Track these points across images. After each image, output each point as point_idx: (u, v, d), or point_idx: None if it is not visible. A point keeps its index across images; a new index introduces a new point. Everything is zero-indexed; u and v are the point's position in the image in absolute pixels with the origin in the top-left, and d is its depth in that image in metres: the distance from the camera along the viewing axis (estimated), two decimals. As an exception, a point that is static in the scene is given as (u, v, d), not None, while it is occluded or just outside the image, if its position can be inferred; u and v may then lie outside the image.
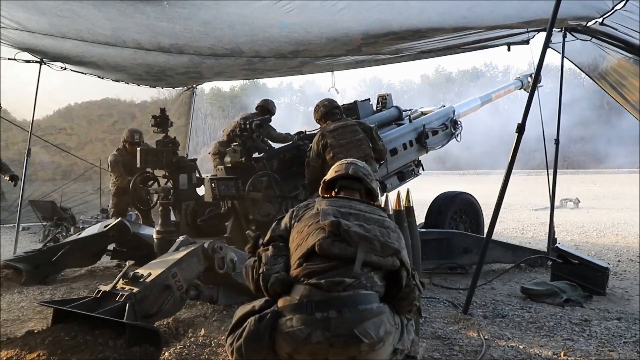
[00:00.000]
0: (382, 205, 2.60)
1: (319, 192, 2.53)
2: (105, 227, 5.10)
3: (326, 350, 1.84)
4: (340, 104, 5.27)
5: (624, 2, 3.99)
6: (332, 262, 1.98)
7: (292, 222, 2.22)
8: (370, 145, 4.60)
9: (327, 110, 4.78)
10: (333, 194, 2.43)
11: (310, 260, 2.00)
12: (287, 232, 2.21)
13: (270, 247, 2.16)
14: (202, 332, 3.45)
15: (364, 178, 2.43)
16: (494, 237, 4.34)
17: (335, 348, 1.83)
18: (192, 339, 3.33)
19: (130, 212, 6.77)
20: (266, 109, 6.42)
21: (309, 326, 1.85)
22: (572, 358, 3.01)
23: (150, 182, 5.49)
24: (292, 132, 6.15)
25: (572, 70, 6.08)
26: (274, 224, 2.29)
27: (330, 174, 2.47)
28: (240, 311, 2.05)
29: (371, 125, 5.20)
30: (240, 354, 1.93)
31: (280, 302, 1.97)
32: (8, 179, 5.72)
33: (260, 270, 2.07)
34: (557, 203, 7.37)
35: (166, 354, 3.08)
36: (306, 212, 2.22)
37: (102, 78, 7.85)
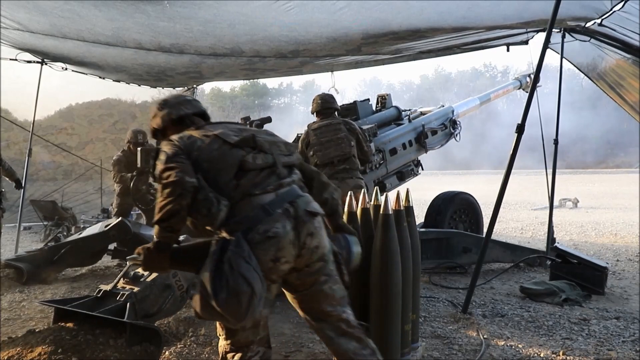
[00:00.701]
0: (382, 205, 2.61)
1: (168, 133, 2.22)
2: (106, 226, 5.11)
3: (292, 233, 1.92)
4: (340, 104, 5.28)
5: (622, 3, 4.00)
6: (261, 173, 2.01)
7: (193, 153, 1.99)
8: (353, 144, 4.57)
9: (319, 108, 4.78)
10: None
11: (241, 177, 1.97)
12: (186, 157, 1.98)
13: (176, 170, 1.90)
14: (203, 331, 3.46)
15: (209, 115, 2.37)
16: (493, 236, 4.36)
17: (299, 230, 1.93)
18: (192, 338, 3.35)
19: (131, 212, 6.79)
20: None
21: (279, 221, 1.89)
22: (571, 357, 3.02)
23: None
24: (292, 132, 6.15)
25: (571, 70, 6.11)
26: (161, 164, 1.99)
27: (177, 114, 2.24)
28: (207, 277, 1.81)
29: (369, 126, 5.20)
30: (246, 283, 1.77)
31: (233, 227, 1.89)
32: (14, 183, 5.86)
33: (211, 207, 1.88)
34: (556, 203, 7.38)
35: (167, 353, 3.10)
36: (195, 143, 2.02)
37: (103, 78, 7.86)
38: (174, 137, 2.06)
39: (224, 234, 1.89)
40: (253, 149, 2.03)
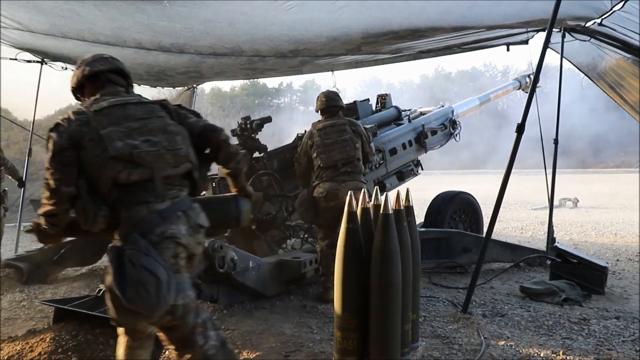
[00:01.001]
0: (382, 205, 2.61)
1: (85, 91, 2.26)
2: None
3: (190, 239, 2.06)
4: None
5: (622, 2, 4.00)
6: (142, 186, 2.02)
7: (81, 151, 2.01)
8: (358, 146, 4.41)
9: (324, 106, 4.60)
10: (99, 96, 2.16)
11: (122, 187, 2.00)
12: (71, 154, 2.01)
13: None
14: (203, 330, 3.46)
15: (130, 75, 2.37)
16: (493, 236, 4.36)
17: (193, 237, 2.08)
18: (192, 338, 3.34)
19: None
20: None
21: (175, 224, 2.01)
22: (571, 357, 3.03)
23: None
24: (292, 132, 6.13)
25: (570, 70, 6.09)
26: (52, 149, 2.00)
27: (91, 70, 2.23)
28: (112, 282, 1.88)
29: (369, 126, 5.18)
30: (149, 272, 1.87)
31: (128, 229, 1.97)
32: (17, 182, 5.94)
33: (87, 213, 1.97)
34: (556, 202, 7.39)
35: (167, 353, 3.10)
36: (87, 135, 2.01)
37: (103, 78, 7.86)
38: (71, 115, 2.08)
39: (116, 237, 1.98)
40: (131, 163, 2.01)
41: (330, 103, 4.59)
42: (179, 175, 2.14)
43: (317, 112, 4.69)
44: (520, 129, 3.80)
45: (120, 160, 1.99)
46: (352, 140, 4.39)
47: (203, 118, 2.36)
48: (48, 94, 7.27)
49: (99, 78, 2.23)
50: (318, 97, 4.71)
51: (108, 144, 1.98)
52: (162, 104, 2.28)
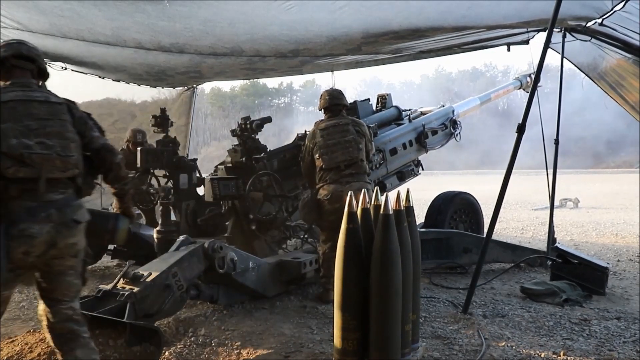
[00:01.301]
0: (382, 205, 2.60)
1: None
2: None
3: (55, 237, 2.18)
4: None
5: (623, 2, 3.99)
6: (26, 182, 2.14)
7: None
8: (361, 147, 4.33)
9: (327, 105, 4.52)
10: (9, 84, 2.33)
11: (8, 182, 2.12)
12: None
13: None
14: (203, 331, 3.46)
15: (37, 59, 2.50)
16: (494, 236, 4.35)
17: (63, 232, 2.21)
18: (192, 339, 3.35)
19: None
20: None
21: (38, 224, 2.13)
22: (572, 357, 3.02)
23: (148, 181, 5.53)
24: (293, 132, 6.14)
25: (571, 70, 6.07)
26: None
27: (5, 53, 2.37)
28: None
29: (370, 126, 5.17)
30: None
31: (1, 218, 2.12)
32: None
33: None
34: (556, 203, 7.38)
35: (167, 353, 3.09)
36: None
37: (103, 78, 7.85)
38: None
39: None
40: (21, 162, 2.13)
41: (333, 101, 4.50)
42: (66, 178, 2.28)
43: (320, 110, 4.62)
44: (521, 129, 3.80)
45: (10, 157, 2.12)
46: (355, 140, 4.31)
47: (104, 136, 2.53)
48: (48, 93, 7.26)
49: (4, 64, 2.35)
50: (321, 95, 4.62)
51: (2, 139, 2.12)
52: (69, 106, 2.42)
